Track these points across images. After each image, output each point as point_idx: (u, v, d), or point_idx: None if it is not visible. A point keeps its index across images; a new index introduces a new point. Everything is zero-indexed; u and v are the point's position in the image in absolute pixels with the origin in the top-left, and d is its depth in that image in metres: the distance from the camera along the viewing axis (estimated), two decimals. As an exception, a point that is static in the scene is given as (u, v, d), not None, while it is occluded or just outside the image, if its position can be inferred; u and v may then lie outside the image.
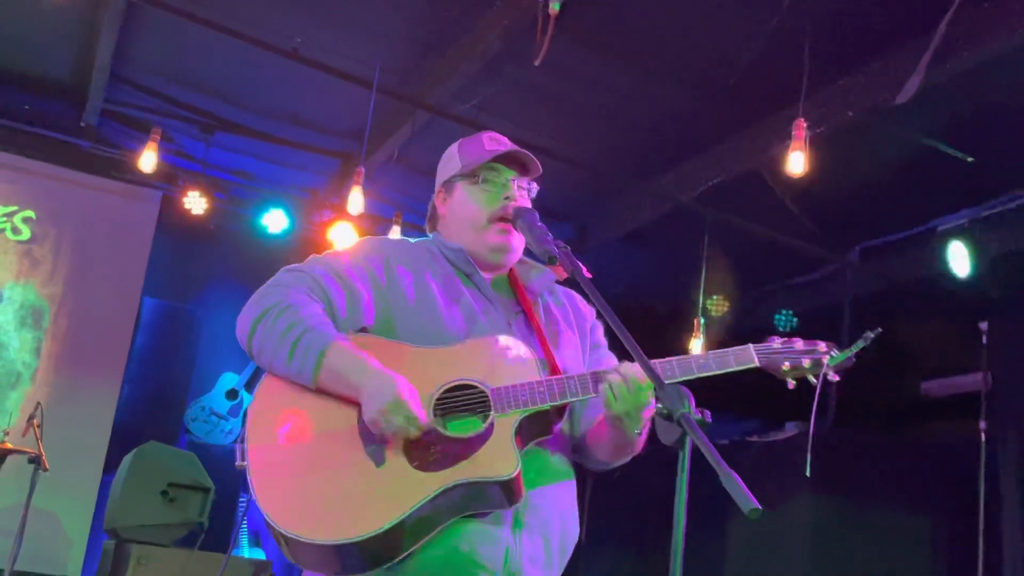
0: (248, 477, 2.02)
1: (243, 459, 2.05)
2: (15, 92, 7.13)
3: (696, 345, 6.43)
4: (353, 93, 6.11)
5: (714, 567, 7.51)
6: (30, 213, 7.38)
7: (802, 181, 6.50)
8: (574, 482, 2.26)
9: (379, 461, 2.00)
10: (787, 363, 2.18)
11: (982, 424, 6.09)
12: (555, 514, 2.17)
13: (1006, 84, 5.23)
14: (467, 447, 2.01)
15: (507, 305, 2.31)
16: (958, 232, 6.14)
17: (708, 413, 1.78)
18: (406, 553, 1.97)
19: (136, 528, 5.34)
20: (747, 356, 2.17)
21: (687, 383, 1.92)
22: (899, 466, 7.26)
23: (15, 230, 7.32)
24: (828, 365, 2.18)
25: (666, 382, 1.83)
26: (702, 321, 6.32)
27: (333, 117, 6.99)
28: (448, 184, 2.40)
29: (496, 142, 2.38)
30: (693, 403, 1.78)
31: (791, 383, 2.20)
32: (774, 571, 7.02)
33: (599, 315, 2.39)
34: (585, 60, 5.81)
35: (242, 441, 2.07)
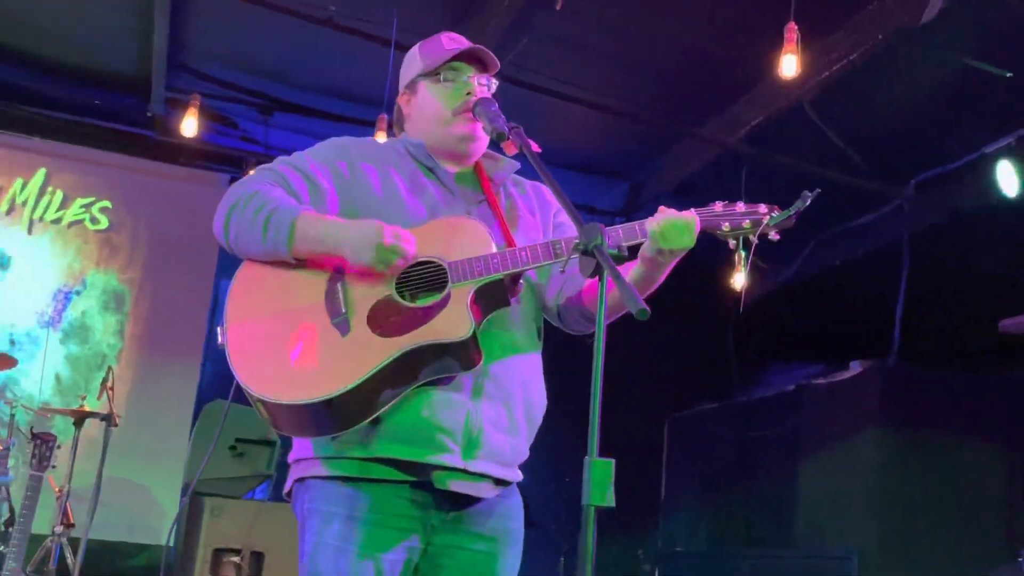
0: (227, 354, 2.18)
1: (223, 339, 2.21)
2: (86, 88, 7.53)
3: (738, 279, 6.48)
4: (398, 63, 6.31)
5: (787, 507, 7.53)
6: (107, 203, 7.79)
7: (846, 114, 6.51)
8: (538, 355, 2.39)
9: (344, 331, 2.15)
10: (727, 224, 2.30)
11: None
12: (517, 383, 2.29)
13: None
14: (425, 315, 2.15)
15: (468, 195, 2.42)
16: (1006, 152, 6.03)
17: (624, 247, 1.90)
18: (374, 416, 2.12)
19: (209, 482, 5.63)
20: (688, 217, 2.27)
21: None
22: (972, 403, 7.16)
23: (94, 220, 7.75)
24: (768, 224, 2.29)
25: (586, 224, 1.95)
26: (743, 254, 6.33)
27: (382, 89, 7.20)
28: (411, 85, 2.51)
29: (454, 41, 2.50)
30: (609, 238, 1.91)
31: (731, 243, 2.31)
32: (846, 508, 7.00)
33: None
34: (613, 9, 5.90)
35: (222, 323, 2.24)
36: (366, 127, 7.65)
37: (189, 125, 7.03)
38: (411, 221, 2.27)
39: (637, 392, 8.12)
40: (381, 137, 6.14)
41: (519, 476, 2.38)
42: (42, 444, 4.92)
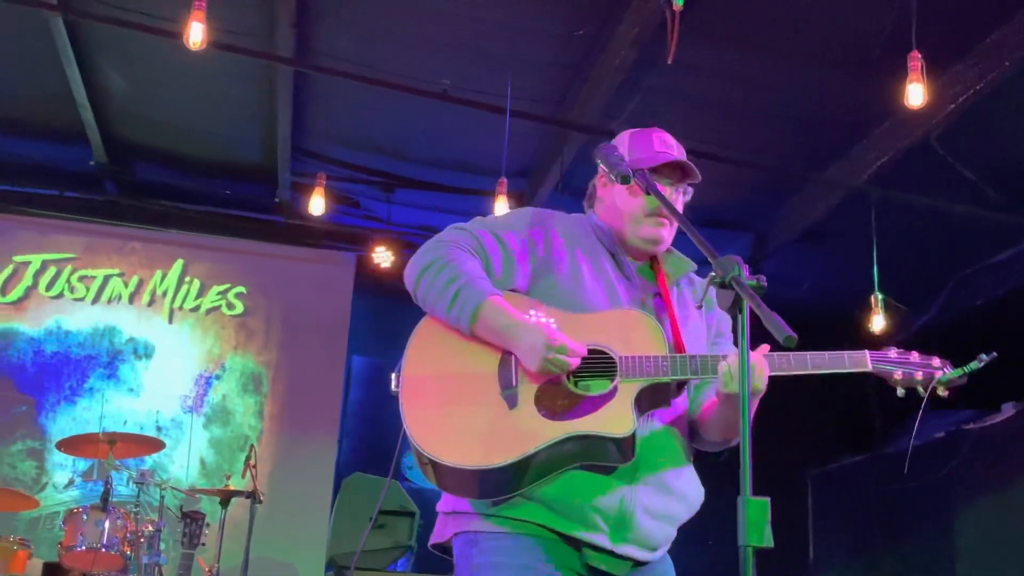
0: (400, 403, 2.30)
1: (397, 386, 2.32)
2: (216, 179, 7.87)
3: (877, 323, 6.26)
4: (511, 132, 6.40)
5: (946, 562, 7.16)
6: (242, 289, 8.07)
7: (976, 147, 6.30)
8: (691, 464, 2.47)
9: (512, 404, 2.27)
10: (899, 373, 2.35)
11: None
12: (677, 477, 2.37)
13: None
14: (591, 404, 2.25)
15: (646, 286, 2.51)
16: None
17: (763, 278, 1.85)
18: (528, 487, 2.24)
19: (352, 555, 5.67)
20: (862, 360, 2.34)
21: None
22: None
23: (230, 305, 8.02)
24: (939, 381, 2.35)
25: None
26: (880, 303, 6.16)
27: (498, 159, 7.31)
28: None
29: (665, 144, 2.55)
30: (747, 270, 1.87)
31: (900, 391, 2.37)
32: (1007, 561, 6.61)
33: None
34: (725, 58, 5.87)
35: (399, 371, 2.34)
36: (485, 197, 7.78)
37: (317, 204, 7.23)
38: (589, 303, 2.39)
39: (776, 448, 7.85)
40: (501, 203, 6.21)
41: (662, 555, 2.43)
42: (192, 522, 5.05)
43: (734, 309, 1.84)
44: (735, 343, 2.56)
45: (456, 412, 2.27)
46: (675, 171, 2.51)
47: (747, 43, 5.73)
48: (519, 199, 7.74)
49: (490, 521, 2.28)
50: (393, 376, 2.34)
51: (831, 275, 7.72)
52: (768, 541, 1.72)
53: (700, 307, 1.90)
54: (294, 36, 5.82)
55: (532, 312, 2.30)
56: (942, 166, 6.42)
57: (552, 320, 2.28)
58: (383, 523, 5.70)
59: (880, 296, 6.50)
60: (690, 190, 2.56)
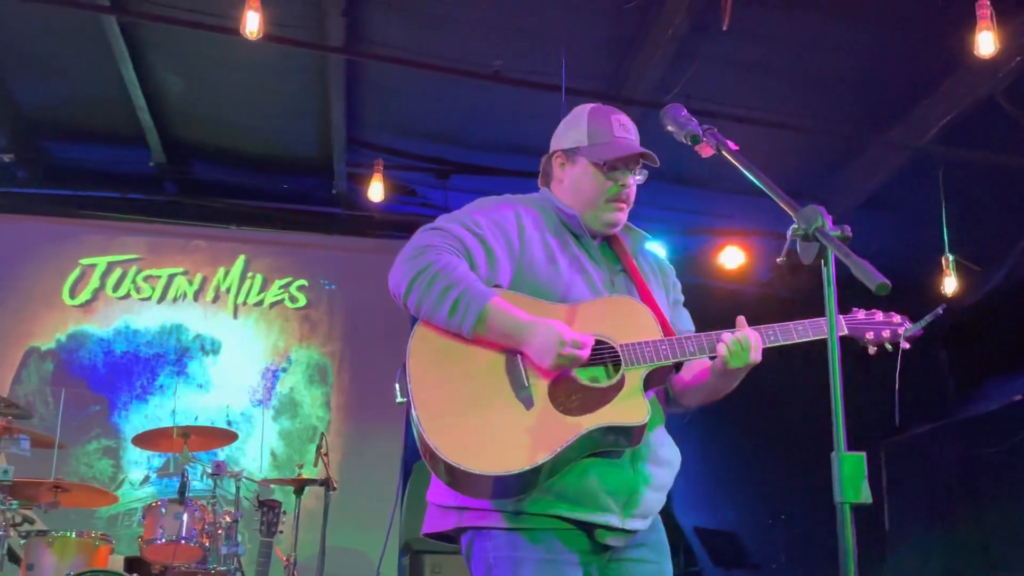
0: (412, 411, 2.29)
1: (404, 395, 2.32)
2: (274, 175, 7.94)
3: (949, 285, 6.12)
4: (563, 110, 6.34)
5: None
6: (303, 281, 8.13)
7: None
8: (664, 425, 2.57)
9: (528, 405, 2.29)
10: (870, 333, 2.50)
11: None
12: (661, 444, 2.49)
13: None
14: (603, 396, 2.31)
15: (610, 264, 2.61)
16: None
17: (847, 228, 1.80)
18: (549, 482, 2.29)
19: (426, 539, 5.67)
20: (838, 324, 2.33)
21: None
22: None
23: (292, 298, 8.09)
24: (902, 336, 2.49)
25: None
26: (951, 264, 6.03)
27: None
28: (571, 153, 2.61)
29: (625, 129, 2.59)
30: (830, 220, 1.81)
31: (872, 350, 2.51)
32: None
33: None
34: (779, 21, 5.76)
35: (402, 381, 2.34)
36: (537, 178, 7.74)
37: (376, 190, 7.23)
38: (565, 287, 2.46)
39: (846, 422, 7.76)
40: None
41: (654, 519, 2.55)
42: (269, 511, 5.10)
43: (818, 261, 1.78)
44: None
45: (474, 417, 2.28)
46: (634, 156, 2.55)
47: (802, 4, 5.61)
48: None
49: (505, 518, 2.31)
50: (397, 386, 2.34)
51: (897, 240, 7.55)
52: (866, 497, 1.68)
53: (783, 259, 1.84)
54: (344, 25, 5.83)
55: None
56: (1009, 121, 6.24)
57: (547, 315, 2.33)
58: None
59: (951, 257, 6.36)
60: (645, 172, 2.59)
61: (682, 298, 2.75)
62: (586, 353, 2.28)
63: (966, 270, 6.74)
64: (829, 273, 1.77)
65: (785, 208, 1.91)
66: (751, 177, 2.11)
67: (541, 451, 2.22)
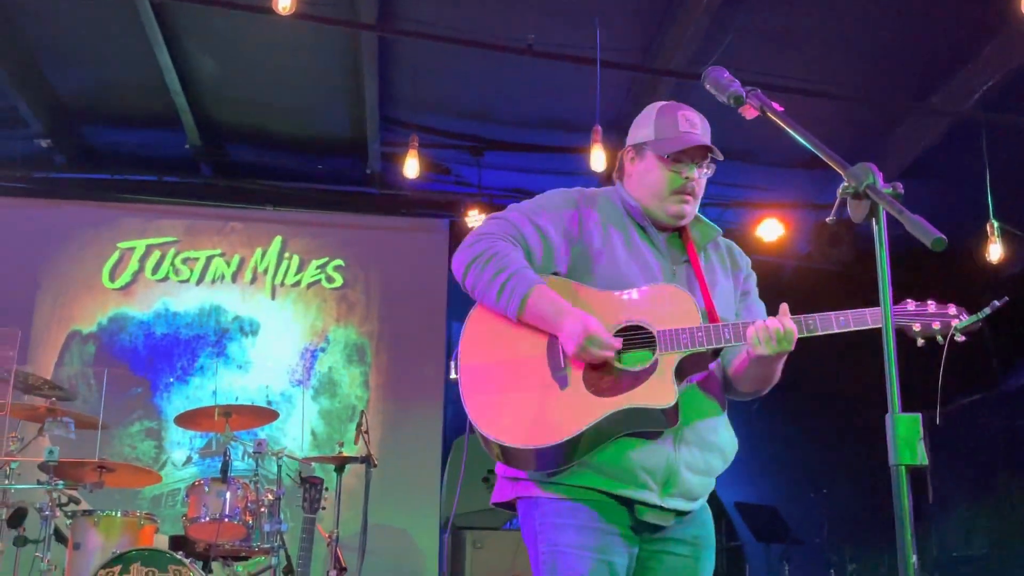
0: (460, 389, 2.50)
1: (456, 372, 2.52)
2: (308, 156, 7.94)
3: (994, 252, 6.00)
4: (599, 83, 6.28)
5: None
6: (340, 262, 8.16)
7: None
8: (726, 414, 2.64)
9: (563, 384, 2.46)
10: (918, 324, 2.44)
11: None
12: (711, 430, 2.55)
13: None
14: (634, 379, 2.43)
15: (675, 256, 2.68)
16: None
17: (899, 185, 1.76)
18: (583, 458, 2.43)
19: (466, 516, 5.69)
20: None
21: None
22: None
23: (329, 279, 8.11)
24: (956, 329, 2.41)
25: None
26: (997, 231, 5.92)
27: (586, 114, 7.20)
28: (639, 148, 2.70)
29: (690, 124, 2.65)
30: (881, 177, 1.77)
31: (921, 342, 2.44)
32: None
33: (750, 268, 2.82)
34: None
35: (456, 359, 2.55)
36: (577, 154, 7.68)
37: (411, 166, 7.16)
38: (625, 277, 2.56)
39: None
40: (597, 152, 6.15)
41: (702, 503, 2.62)
42: (311, 487, 5.13)
43: (870, 219, 1.74)
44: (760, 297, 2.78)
45: (513, 395, 2.46)
46: (699, 150, 2.62)
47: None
48: (613, 151, 7.62)
49: (549, 489, 2.47)
50: (452, 364, 2.55)
51: (940, 207, 7.42)
52: (923, 458, 1.64)
53: (832, 219, 1.81)
54: (376, 2, 5.80)
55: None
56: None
57: (590, 302, 2.48)
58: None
59: (996, 224, 6.25)
60: (713, 166, 2.67)
61: (753, 290, 2.80)
62: (609, 354, 2.41)
63: (1011, 236, 6.62)
64: (880, 231, 1.72)
65: (835, 167, 1.86)
66: (797, 137, 2.06)
67: (567, 429, 2.37)
